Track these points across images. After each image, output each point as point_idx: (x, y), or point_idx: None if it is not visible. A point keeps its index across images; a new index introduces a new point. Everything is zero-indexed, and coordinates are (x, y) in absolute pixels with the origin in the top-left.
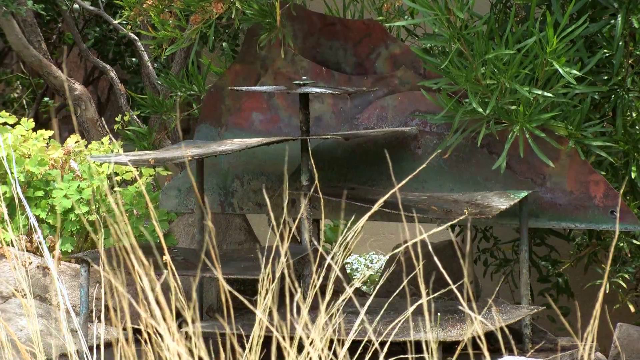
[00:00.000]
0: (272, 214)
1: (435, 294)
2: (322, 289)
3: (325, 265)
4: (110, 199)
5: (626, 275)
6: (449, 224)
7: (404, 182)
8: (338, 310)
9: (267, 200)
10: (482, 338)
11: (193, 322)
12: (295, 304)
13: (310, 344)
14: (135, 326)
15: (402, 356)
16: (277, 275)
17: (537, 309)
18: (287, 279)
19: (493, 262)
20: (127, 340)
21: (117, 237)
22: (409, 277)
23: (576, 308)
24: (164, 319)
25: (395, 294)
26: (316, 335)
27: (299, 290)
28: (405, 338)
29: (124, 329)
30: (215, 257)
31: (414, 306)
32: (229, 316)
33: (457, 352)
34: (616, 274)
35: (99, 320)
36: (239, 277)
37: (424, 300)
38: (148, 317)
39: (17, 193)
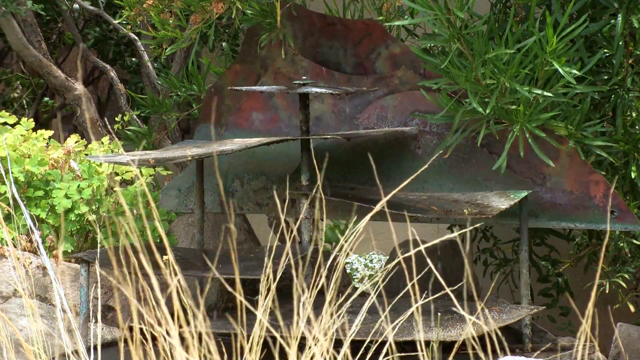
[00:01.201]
0: (292, 218)
1: (433, 296)
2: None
3: (326, 265)
4: (119, 194)
5: (626, 275)
6: (464, 231)
7: (405, 183)
8: (339, 309)
9: (277, 201)
10: (491, 337)
11: (204, 321)
12: (296, 304)
13: (306, 344)
14: (137, 326)
15: (400, 354)
16: (278, 275)
17: (537, 309)
18: (295, 279)
19: (493, 262)
20: (128, 340)
21: (121, 237)
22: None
23: (576, 308)
24: (171, 319)
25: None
26: (317, 334)
27: (306, 290)
28: (405, 338)
29: (126, 329)
30: (236, 259)
31: (414, 307)
32: (232, 316)
33: (453, 351)
34: (616, 274)
35: (97, 320)
36: (240, 277)
37: (418, 302)
38: (152, 319)
39: (12, 193)
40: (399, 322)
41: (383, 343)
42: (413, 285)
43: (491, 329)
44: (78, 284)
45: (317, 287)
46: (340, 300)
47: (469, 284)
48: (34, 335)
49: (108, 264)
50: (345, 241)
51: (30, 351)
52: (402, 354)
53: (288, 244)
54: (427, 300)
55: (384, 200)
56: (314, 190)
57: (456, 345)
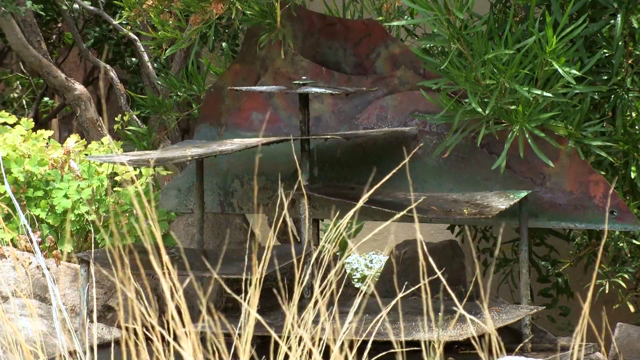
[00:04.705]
0: (291, 221)
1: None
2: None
3: (318, 265)
4: (129, 193)
5: (626, 275)
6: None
7: (389, 175)
8: (333, 309)
9: (279, 201)
10: (492, 337)
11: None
12: (290, 304)
13: (301, 343)
14: (133, 326)
15: (394, 350)
16: (263, 275)
17: (537, 309)
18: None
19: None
20: (126, 340)
21: (118, 238)
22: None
23: (576, 308)
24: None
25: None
26: (308, 333)
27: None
28: (405, 338)
29: (120, 327)
30: (235, 259)
31: (396, 302)
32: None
33: (441, 345)
34: (616, 274)
35: (92, 320)
36: (239, 277)
37: (399, 298)
38: (148, 319)
39: (7, 193)
40: (380, 318)
41: (383, 343)
42: (411, 285)
43: (491, 329)
44: (78, 284)
45: (302, 284)
46: (323, 296)
47: (470, 283)
48: (31, 336)
49: (106, 264)
50: (332, 240)
51: (28, 351)
52: (398, 350)
53: (271, 243)
54: (411, 296)
55: (365, 197)
56: (295, 189)
57: (441, 345)
